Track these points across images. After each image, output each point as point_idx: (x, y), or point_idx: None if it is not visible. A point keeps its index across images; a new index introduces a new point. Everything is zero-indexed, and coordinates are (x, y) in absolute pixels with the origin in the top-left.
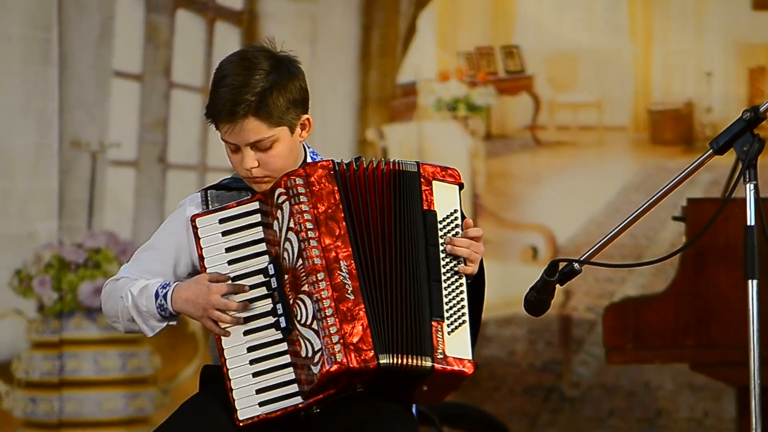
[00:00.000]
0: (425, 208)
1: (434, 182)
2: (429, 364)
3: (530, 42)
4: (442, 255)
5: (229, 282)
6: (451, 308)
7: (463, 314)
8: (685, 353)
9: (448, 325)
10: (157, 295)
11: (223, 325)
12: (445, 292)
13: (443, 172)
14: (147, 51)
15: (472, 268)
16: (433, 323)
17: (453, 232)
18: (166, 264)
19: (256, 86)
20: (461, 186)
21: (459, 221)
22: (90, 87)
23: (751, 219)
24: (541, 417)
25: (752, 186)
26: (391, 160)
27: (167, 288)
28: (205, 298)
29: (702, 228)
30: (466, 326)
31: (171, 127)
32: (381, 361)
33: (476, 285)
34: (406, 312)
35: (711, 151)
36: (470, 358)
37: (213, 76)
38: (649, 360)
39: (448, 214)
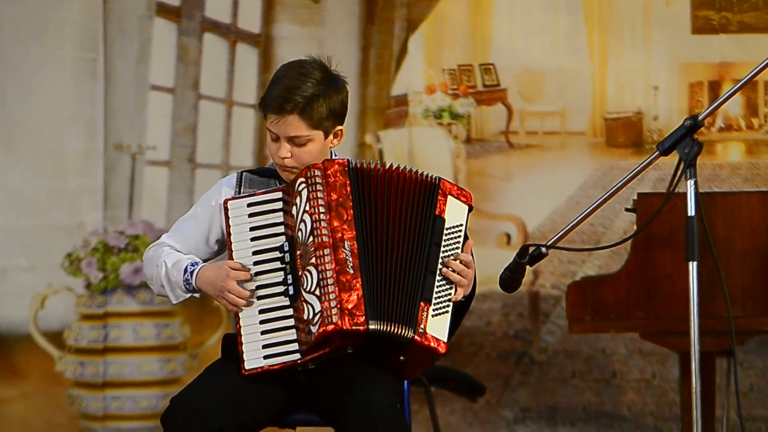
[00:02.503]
0: (437, 213)
1: (449, 196)
2: (411, 334)
3: (504, 60)
4: (441, 254)
5: (247, 271)
6: (438, 297)
7: (447, 305)
8: (636, 324)
9: (433, 309)
10: (185, 271)
11: (232, 306)
12: (437, 283)
13: (459, 191)
14: (179, 68)
15: (462, 292)
16: (421, 303)
17: (454, 242)
18: (202, 232)
19: (306, 91)
20: (470, 208)
21: (462, 235)
22: (130, 99)
23: (691, 210)
24: (514, 378)
25: (692, 182)
26: (419, 171)
27: (195, 266)
28: (222, 281)
29: (650, 218)
30: (448, 316)
31: (199, 133)
32: (370, 326)
33: (467, 299)
34: (402, 290)
35: (657, 152)
36: (446, 340)
37: (273, 75)
38: (605, 329)
39: (454, 225)
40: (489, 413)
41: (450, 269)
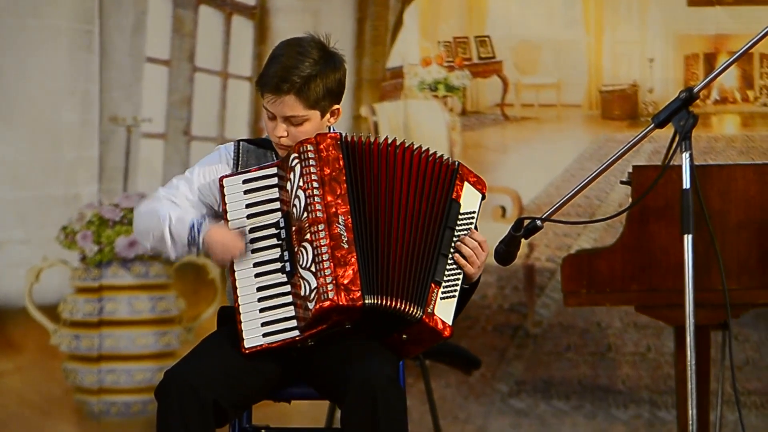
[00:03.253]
0: (453, 197)
1: (466, 183)
2: (420, 314)
3: (500, 32)
4: (454, 238)
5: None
6: (448, 280)
7: (455, 289)
8: (631, 297)
9: (442, 292)
10: (192, 227)
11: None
12: (447, 266)
13: (475, 179)
14: (174, 40)
15: (472, 270)
16: (432, 285)
17: (466, 229)
18: (194, 194)
19: (303, 71)
20: (484, 196)
21: (474, 223)
22: (126, 71)
23: (686, 183)
24: (509, 351)
25: (687, 155)
26: (437, 152)
27: (203, 223)
28: (234, 246)
29: (645, 190)
30: (455, 301)
31: (194, 105)
32: (366, 301)
33: (471, 287)
34: (412, 268)
35: (653, 125)
36: (451, 324)
37: (270, 53)
38: (601, 302)
39: (468, 212)
40: (484, 386)
41: (461, 252)
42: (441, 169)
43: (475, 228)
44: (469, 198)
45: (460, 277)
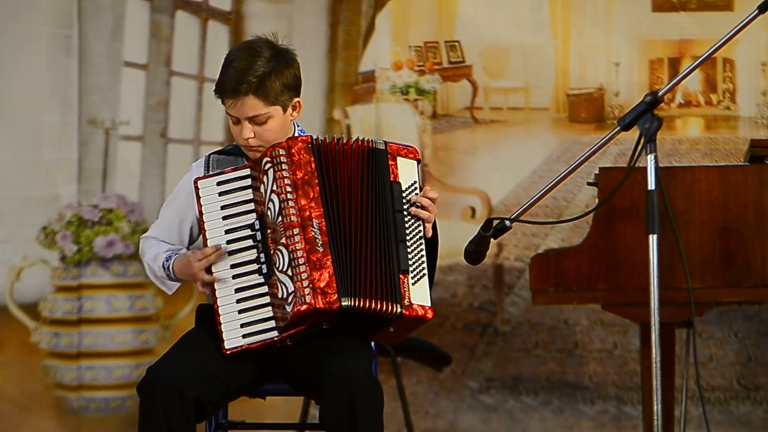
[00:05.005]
0: (392, 179)
1: (398, 158)
2: (399, 310)
3: (469, 37)
4: (406, 219)
5: (215, 251)
6: (413, 263)
7: (423, 268)
8: (598, 295)
9: (411, 278)
10: (164, 266)
11: (204, 288)
12: (408, 250)
13: (405, 150)
14: (151, 45)
15: (429, 228)
16: (400, 276)
17: (411, 202)
18: (180, 218)
19: (257, 70)
20: (419, 161)
21: (418, 191)
22: (104, 75)
23: (651, 184)
24: (478, 348)
25: (652, 157)
26: (363, 138)
27: (169, 261)
28: (190, 269)
29: (611, 191)
30: (426, 279)
31: (171, 108)
32: (343, 303)
33: (432, 242)
34: (377, 266)
35: (618, 128)
36: (430, 305)
37: (223, 60)
38: (568, 301)
39: (409, 184)
40: (454, 383)
41: (422, 224)
42: (372, 156)
43: (420, 187)
44: (406, 171)
45: (423, 252)
